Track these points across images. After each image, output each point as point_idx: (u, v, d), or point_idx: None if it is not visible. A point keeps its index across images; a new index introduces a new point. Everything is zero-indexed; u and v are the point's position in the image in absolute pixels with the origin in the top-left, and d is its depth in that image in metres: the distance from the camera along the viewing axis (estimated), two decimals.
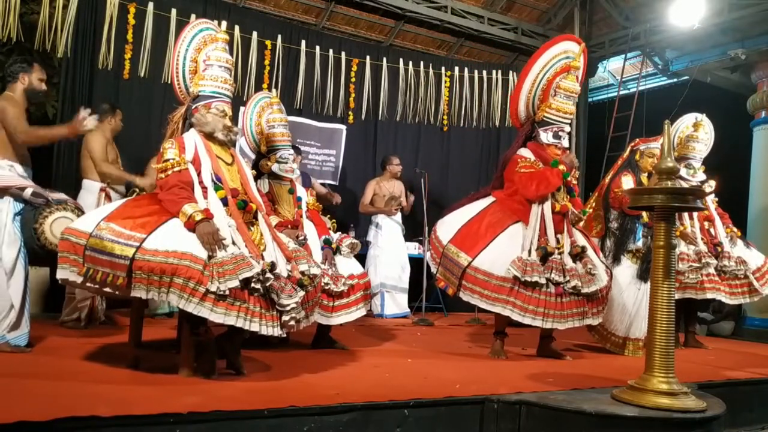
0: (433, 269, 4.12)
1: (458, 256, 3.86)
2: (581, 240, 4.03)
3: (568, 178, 4.04)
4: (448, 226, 4.08)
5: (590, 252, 4.00)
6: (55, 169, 5.46)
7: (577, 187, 4.21)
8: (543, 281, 3.71)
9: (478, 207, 4.10)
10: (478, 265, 3.79)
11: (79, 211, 3.39)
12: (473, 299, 3.83)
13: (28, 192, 3.30)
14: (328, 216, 4.54)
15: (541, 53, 4.13)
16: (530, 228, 3.86)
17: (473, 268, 3.80)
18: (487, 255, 3.81)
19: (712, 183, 5.05)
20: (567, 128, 4.05)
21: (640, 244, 4.51)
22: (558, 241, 3.89)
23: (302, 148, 6.54)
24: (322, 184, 6.54)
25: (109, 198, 4.56)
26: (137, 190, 4.52)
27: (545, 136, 4.02)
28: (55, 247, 3.21)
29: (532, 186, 3.88)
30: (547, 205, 3.91)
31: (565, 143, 4.06)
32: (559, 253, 3.84)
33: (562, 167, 3.92)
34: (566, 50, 4.12)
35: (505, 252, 3.79)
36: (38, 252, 3.31)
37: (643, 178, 4.68)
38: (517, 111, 4.21)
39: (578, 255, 3.89)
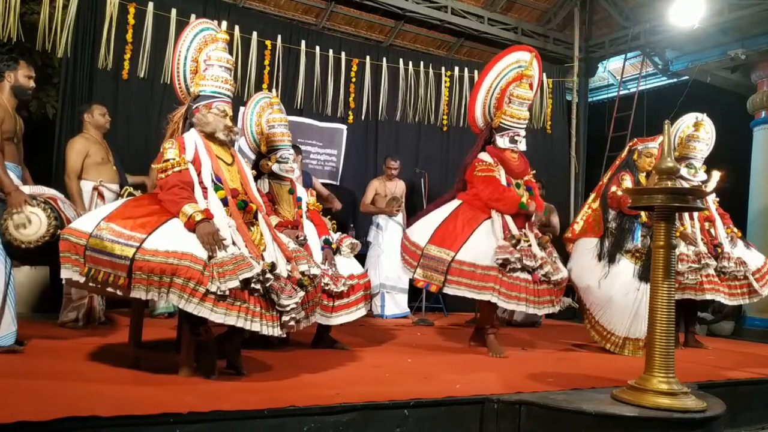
0: (408, 274, 4.30)
1: (441, 253, 4.06)
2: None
3: (526, 179, 4.32)
4: (421, 231, 4.27)
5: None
6: (55, 168, 5.46)
7: (536, 187, 4.44)
8: (519, 266, 3.96)
9: (447, 210, 4.31)
10: (462, 258, 4.00)
11: (47, 206, 3.23)
12: (460, 291, 4.02)
13: None
14: (328, 217, 4.55)
15: (493, 64, 4.38)
16: (496, 224, 4.12)
17: (458, 262, 4.00)
18: (469, 248, 4.03)
19: (716, 174, 4.95)
20: (522, 132, 4.27)
21: (638, 243, 4.51)
22: (524, 235, 4.12)
23: (304, 148, 6.53)
24: (323, 185, 6.54)
25: (102, 197, 4.53)
26: (130, 186, 4.50)
27: (502, 141, 4.26)
28: (21, 243, 3.15)
29: (489, 193, 4.16)
30: None
31: (521, 147, 4.30)
32: (528, 246, 4.07)
33: (524, 199, 4.16)
34: (518, 60, 4.36)
35: (485, 244, 4.03)
36: (5, 248, 3.21)
37: (641, 177, 4.68)
38: (475, 118, 4.44)
39: (544, 246, 4.18)
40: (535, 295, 4.02)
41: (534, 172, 4.47)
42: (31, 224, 3.18)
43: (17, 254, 3.25)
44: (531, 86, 4.33)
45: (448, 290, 4.05)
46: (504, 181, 4.21)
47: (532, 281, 4.00)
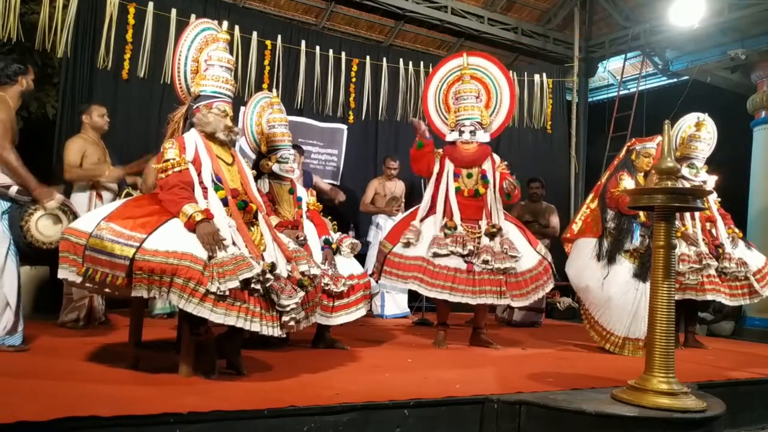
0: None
1: (384, 247, 4.40)
2: (504, 225, 4.39)
3: (484, 168, 4.47)
4: (389, 228, 4.67)
5: (515, 237, 4.37)
6: (55, 168, 5.45)
7: (508, 175, 4.49)
8: (445, 252, 4.16)
9: (412, 209, 4.65)
10: (396, 251, 4.31)
11: (66, 207, 3.37)
12: (391, 280, 4.32)
13: (13, 189, 3.28)
14: (329, 217, 4.56)
15: (430, 79, 4.78)
16: (438, 211, 4.37)
17: (392, 254, 4.31)
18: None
19: (713, 179, 5.04)
20: (467, 123, 4.49)
21: (637, 243, 4.51)
22: (479, 227, 4.33)
23: (305, 147, 6.53)
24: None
25: (100, 197, 4.53)
26: (128, 187, 4.52)
27: (450, 135, 4.56)
28: (42, 244, 3.24)
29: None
30: (452, 191, 4.40)
31: (465, 137, 4.47)
32: (477, 237, 4.27)
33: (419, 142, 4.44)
34: (452, 67, 4.73)
35: (422, 237, 4.28)
36: (25, 250, 3.29)
37: (639, 177, 4.68)
38: (439, 129, 4.75)
39: (493, 234, 4.29)
40: (469, 284, 4.12)
41: (506, 163, 4.59)
42: (54, 225, 3.29)
43: (33, 255, 3.32)
44: (476, 79, 4.64)
45: (383, 280, 4.35)
46: (452, 172, 4.43)
47: (467, 271, 4.14)
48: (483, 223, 4.35)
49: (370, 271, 6.00)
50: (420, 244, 4.26)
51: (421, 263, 4.18)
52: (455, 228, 4.25)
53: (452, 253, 4.16)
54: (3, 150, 3.25)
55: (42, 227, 3.24)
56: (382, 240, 4.48)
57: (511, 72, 7.99)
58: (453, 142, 4.52)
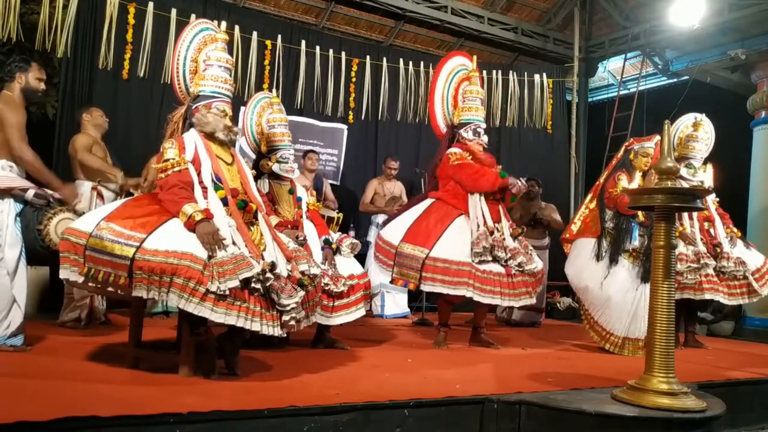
0: (386, 274, 4.39)
1: (415, 251, 4.15)
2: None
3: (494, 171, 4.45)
4: (394, 230, 4.37)
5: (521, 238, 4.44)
6: (55, 169, 5.45)
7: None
8: (489, 257, 4.08)
9: (419, 209, 4.44)
10: (436, 255, 4.09)
11: (83, 212, 3.43)
12: (435, 287, 4.10)
13: (30, 193, 3.31)
14: (336, 210, 4.56)
15: (439, 70, 4.74)
16: (473, 218, 4.25)
17: (432, 259, 4.08)
18: (443, 245, 4.12)
19: (709, 170, 5.05)
20: (483, 125, 4.51)
21: (636, 243, 4.51)
22: (498, 229, 4.26)
23: (305, 147, 6.51)
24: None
25: (101, 196, 4.54)
26: (121, 183, 4.53)
27: (467, 134, 4.46)
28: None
29: (467, 175, 4.32)
30: (482, 197, 4.34)
31: (485, 138, 4.52)
32: (503, 240, 4.20)
33: (503, 174, 4.30)
34: (462, 63, 4.76)
35: (458, 240, 4.13)
36: (41, 252, 3.33)
37: (638, 177, 4.68)
38: (437, 122, 4.72)
39: (518, 236, 4.33)
40: (510, 287, 4.12)
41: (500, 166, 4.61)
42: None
43: (50, 257, 3.31)
44: (477, 84, 4.65)
45: (425, 287, 4.16)
46: None
47: (506, 274, 4.12)
48: (500, 226, 4.30)
49: (370, 272, 6.02)
50: (454, 247, 4.10)
51: (469, 269, 4.04)
52: (493, 233, 4.19)
53: (495, 257, 4.10)
54: (21, 151, 3.29)
55: (61, 230, 3.24)
56: (402, 244, 4.19)
57: (511, 72, 8.11)
58: (463, 139, 4.45)
